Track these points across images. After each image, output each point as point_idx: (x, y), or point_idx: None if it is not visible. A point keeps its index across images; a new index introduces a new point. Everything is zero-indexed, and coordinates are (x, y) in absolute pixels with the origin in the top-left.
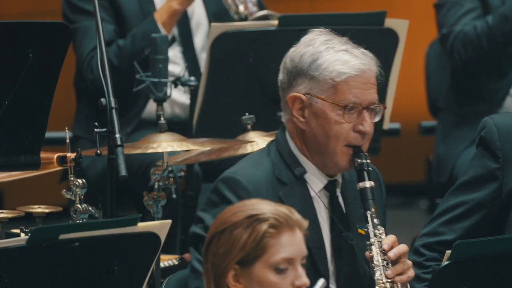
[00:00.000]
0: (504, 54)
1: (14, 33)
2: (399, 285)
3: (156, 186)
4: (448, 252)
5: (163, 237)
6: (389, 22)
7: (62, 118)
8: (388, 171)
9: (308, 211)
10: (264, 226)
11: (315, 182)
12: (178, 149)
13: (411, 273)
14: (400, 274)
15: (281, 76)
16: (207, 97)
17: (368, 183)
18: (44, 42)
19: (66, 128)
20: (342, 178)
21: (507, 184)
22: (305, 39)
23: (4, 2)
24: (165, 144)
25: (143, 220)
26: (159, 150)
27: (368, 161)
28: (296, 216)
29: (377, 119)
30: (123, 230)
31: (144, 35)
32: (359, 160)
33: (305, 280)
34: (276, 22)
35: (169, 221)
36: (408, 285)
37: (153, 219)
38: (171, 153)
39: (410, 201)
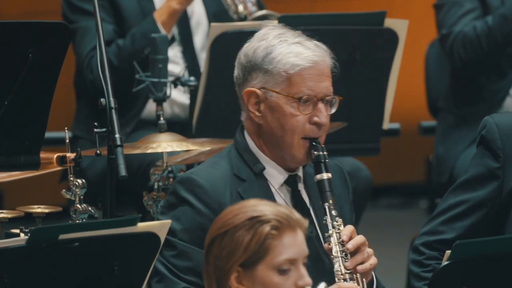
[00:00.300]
0: (504, 54)
1: (14, 33)
2: (358, 275)
3: (156, 186)
4: (448, 252)
5: (163, 237)
6: (389, 22)
7: (62, 118)
8: (388, 171)
9: None
10: (266, 228)
11: (275, 177)
12: (178, 149)
13: (373, 261)
14: (361, 263)
15: (236, 72)
16: (207, 97)
17: (325, 175)
18: (44, 42)
19: (66, 128)
20: (306, 173)
21: (508, 183)
22: (258, 34)
23: (4, 2)
24: (165, 144)
25: (143, 220)
26: (159, 150)
27: (325, 153)
28: (297, 216)
29: (333, 110)
30: (123, 230)
31: (144, 35)
32: (315, 152)
33: (307, 280)
34: (275, 22)
35: (169, 221)
36: (373, 273)
37: (153, 219)
38: (171, 153)
39: (410, 201)
